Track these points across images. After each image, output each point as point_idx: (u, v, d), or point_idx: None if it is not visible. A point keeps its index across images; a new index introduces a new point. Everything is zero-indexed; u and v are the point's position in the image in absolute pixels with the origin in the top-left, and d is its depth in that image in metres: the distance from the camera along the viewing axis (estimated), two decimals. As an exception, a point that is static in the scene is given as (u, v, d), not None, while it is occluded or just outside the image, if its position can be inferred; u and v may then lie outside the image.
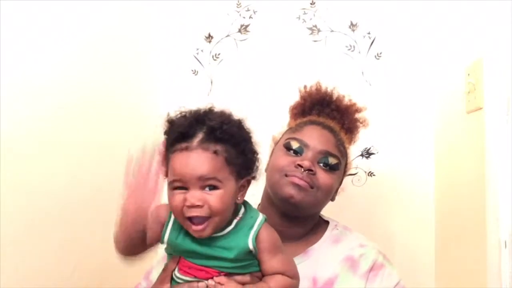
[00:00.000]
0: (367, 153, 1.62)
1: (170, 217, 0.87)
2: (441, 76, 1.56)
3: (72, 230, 1.25)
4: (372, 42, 1.64)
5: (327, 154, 1.04)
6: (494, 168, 1.12)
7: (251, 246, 0.84)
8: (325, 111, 1.14)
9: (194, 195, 0.78)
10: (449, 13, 1.49)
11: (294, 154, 1.04)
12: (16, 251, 1.07)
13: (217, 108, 0.86)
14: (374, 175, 1.62)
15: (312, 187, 1.01)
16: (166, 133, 0.85)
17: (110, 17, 1.43)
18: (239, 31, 1.70)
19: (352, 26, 1.65)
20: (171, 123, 0.85)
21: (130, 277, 1.23)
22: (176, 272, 0.87)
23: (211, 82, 1.71)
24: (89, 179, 1.32)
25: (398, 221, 1.60)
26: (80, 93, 1.28)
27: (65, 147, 1.23)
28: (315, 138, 1.05)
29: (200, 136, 0.80)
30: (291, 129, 1.11)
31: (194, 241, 0.84)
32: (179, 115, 0.85)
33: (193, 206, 0.78)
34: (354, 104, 1.18)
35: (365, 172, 1.62)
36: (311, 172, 1.01)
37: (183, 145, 0.80)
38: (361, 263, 1.03)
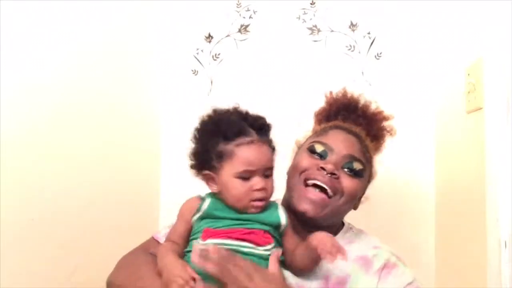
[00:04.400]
0: (367, 153, 1.61)
1: (204, 199, 0.94)
2: (441, 76, 1.56)
3: (72, 230, 1.25)
4: (372, 42, 1.64)
5: (352, 158, 1.01)
6: (494, 168, 1.12)
7: (283, 221, 0.94)
8: (350, 117, 1.11)
9: (262, 180, 0.90)
10: (449, 13, 1.49)
11: (318, 157, 1.01)
12: (16, 251, 1.07)
13: (241, 108, 0.95)
14: (374, 175, 1.62)
15: (335, 193, 0.98)
16: (216, 127, 0.91)
17: (110, 17, 1.43)
18: (239, 31, 1.70)
19: (352, 26, 1.65)
20: (221, 119, 0.93)
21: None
22: (200, 241, 0.89)
23: (211, 82, 1.71)
24: (90, 179, 1.33)
25: (398, 221, 1.60)
26: (80, 93, 1.28)
27: (65, 147, 1.23)
28: (340, 142, 1.02)
29: (253, 131, 0.91)
30: (315, 133, 1.09)
31: (232, 212, 0.92)
32: (221, 113, 0.94)
33: (261, 189, 0.90)
34: (381, 111, 1.15)
35: (365, 172, 1.61)
36: (334, 175, 0.98)
37: (248, 139, 0.90)
38: (374, 262, 1.00)
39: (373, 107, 1.14)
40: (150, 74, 1.68)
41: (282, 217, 0.94)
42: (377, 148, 1.13)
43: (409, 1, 1.63)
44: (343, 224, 1.12)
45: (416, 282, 1.00)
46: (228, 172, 0.90)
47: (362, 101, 1.14)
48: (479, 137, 1.20)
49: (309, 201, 0.97)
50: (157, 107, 1.70)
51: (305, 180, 0.99)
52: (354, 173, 1.01)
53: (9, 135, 1.04)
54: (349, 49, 1.65)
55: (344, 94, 1.15)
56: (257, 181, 0.90)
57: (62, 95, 1.22)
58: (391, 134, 1.15)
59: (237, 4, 1.70)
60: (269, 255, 0.89)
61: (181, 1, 1.72)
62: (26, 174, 1.10)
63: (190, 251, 0.88)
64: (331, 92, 1.17)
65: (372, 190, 1.60)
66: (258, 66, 1.67)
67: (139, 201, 1.59)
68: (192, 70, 1.72)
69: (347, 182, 1.00)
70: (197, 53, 1.72)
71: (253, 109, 0.96)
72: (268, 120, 0.96)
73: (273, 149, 0.94)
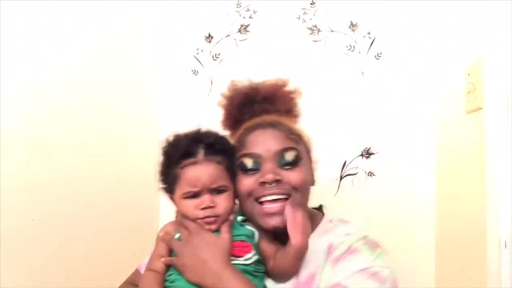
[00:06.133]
0: (367, 153, 1.62)
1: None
2: (441, 76, 1.56)
3: (72, 230, 1.25)
4: (372, 42, 1.64)
5: (281, 152, 0.96)
6: (494, 168, 1.12)
7: (254, 229, 0.95)
8: (255, 110, 1.05)
9: (207, 199, 0.92)
10: (449, 13, 1.49)
11: (253, 173, 0.96)
12: (16, 251, 1.07)
13: (204, 128, 0.99)
14: (374, 175, 1.62)
15: (289, 194, 0.95)
16: (168, 152, 0.97)
17: (110, 17, 1.44)
18: (239, 31, 1.70)
19: (352, 26, 1.65)
20: (174, 143, 0.97)
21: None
22: None
23: (211, 82, 1.71)
24: (89, 179, 1.33)
25: (398, 221, 1.60)
26: (80, 93, 1.29)
27: (65, 146, 1.23)
28: (262, 143, 0.97)
29: (202, 151, 0.93)
30: (236, 147, 1.01)
31: None
32: (176, 137, 0.98)
33: (207, 207, 0.91)
34: (276, 81, 1.08)
35: (365, 172, 1.62)
36: (278, 182, 0.94)
37: (191, 160, 0.93)
38: (337, 249, 0.94)
39: (267, 83, 1.07)
40: (150, 74, 1.68)
41: (251, 227, 0.95)
42: (296, 115, 1.08)
43: (409, 1, 1.63)
44: (323, 214, 1.06)
45: (376, 268, 0.90)
46: (178, 193, 0.94)
47: (254, 86, 1.07)
48: (479, 137, 1.20)
49: (273, 215, 0.94)
50: (157, 107, 1.70)
51: (257, 199, 0.96)
52: (292, 164, 0.97)
53: (9, 135, 1.04)
54: (349, 49, 1.65)
55: (235, 89, 1.08)
56: (202, 200, 0.92)
57: (62, 95, 1.22)
58: (298, 95, 1.09)
59: (237, 4, 1.70)
60: (250, 264, 0.90)
61: (181, 1, 1.72)
62: (26, 174, 1.10)
63: (171, 274, 0.92)
64: (222, 94, 1.10)
65: (372, 189, 1.61)
66: (258, 66, 1.67)
67: (139, 201, 1.59)
68: (192, 70, 1.72)
69: (292, 177, 0.96)
70: (197, 53, 1.72)
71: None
72: (222, 137, 0.98)
73: (227, 165, 0.95)
